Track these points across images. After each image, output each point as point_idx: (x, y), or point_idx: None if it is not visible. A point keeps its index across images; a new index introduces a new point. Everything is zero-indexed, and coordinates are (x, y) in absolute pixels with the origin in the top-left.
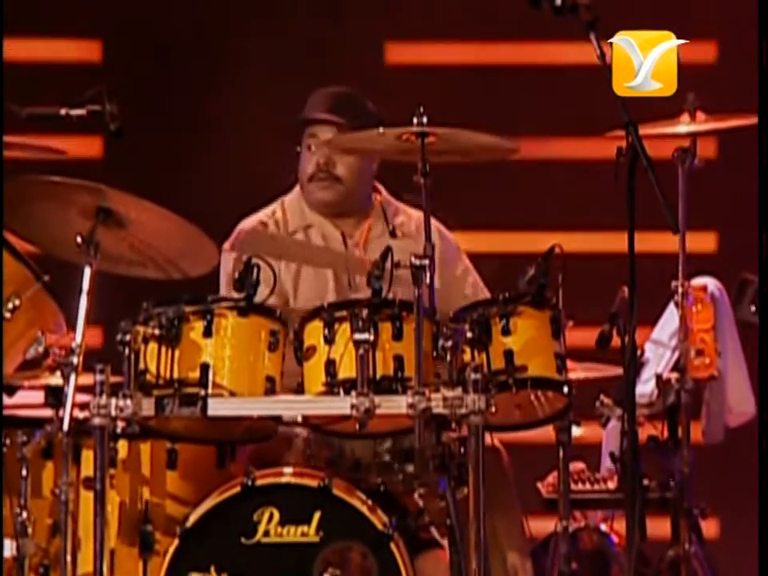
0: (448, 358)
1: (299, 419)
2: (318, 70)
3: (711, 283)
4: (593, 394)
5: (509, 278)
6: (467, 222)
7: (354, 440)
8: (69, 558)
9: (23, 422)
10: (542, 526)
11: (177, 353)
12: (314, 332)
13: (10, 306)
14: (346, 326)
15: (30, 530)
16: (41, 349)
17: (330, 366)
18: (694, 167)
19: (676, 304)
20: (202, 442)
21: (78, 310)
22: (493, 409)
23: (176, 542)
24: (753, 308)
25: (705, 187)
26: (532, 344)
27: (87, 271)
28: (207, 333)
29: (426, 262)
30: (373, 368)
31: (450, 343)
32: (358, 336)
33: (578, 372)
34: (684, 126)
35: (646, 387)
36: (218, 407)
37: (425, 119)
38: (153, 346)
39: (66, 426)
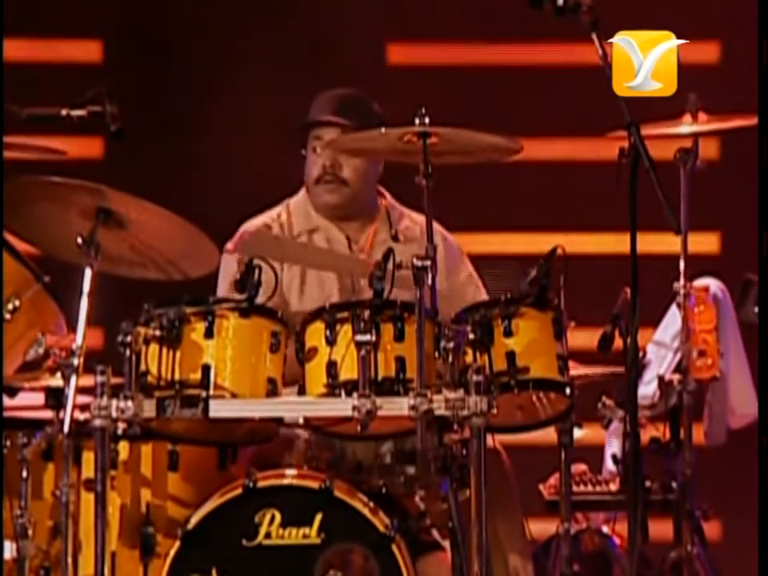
0: (450, 359)
1: (301, 421)
2: (318, 70)
3: (713, 284)
4: (595, 395)
5: (511, 280)
6: (468, 223)
7: (356, 442)
8: (69, 560)
9: (24, 423)
10: (543, 528)
11: (178, 354)
12: (316, 333)
13: (10, 306)
14: (348, 327)
15: (30, 532)
16: (41, 350)
17: (332, 367)
18: (696, 168)
19: (678, 305)
20: (203, 443)
21: (78, 311)
22: (495, 410)
23: (177, 543)
24: (756, 309)
25: (707, 188)
26: (534, 345)
27: (88, 272)
28: (208, 334)
29: (428, 263)
30: (374, 369)
31: (451, 344)
32: (359, 337)
33: (578, 369)
34: (686, 126)
35: (648, 389)
36: (219, 409)
37: (426, 119)
38: (154, 347)
39: (66, 428)
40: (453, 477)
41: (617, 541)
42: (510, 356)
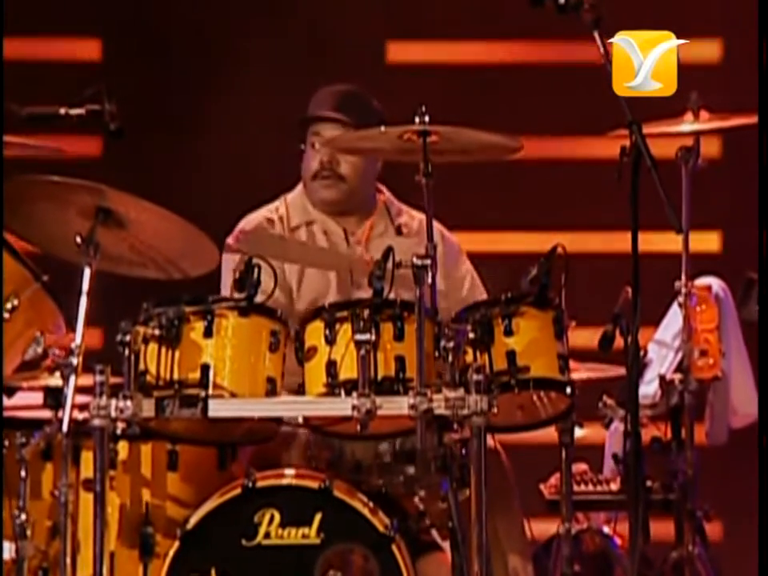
0: (450, 358)
1: (300, 420)
2: (318, 69)
3: (715, 283)
4: (595, 394)
5: (511, 279)
6: (469, 222)
7: (355, 441)
8: (68, 560)
9: (22, 423)
10: (544, 528)
11: (177, 353)
12: (315, 332)
13: (9, 306)
14: (347, 326)
15: (29, 533)
16: (40, 349)
17: (331, 366)
18: (698, 166)
19: (680, 304)
20: (202, 443)
21: (77, 310)
22: (495, 410)
23: (176, 544)
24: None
25: (708, 187)
26: (534, 345)
27: (87, 271)
28: (208, 333)
29: (428, 261)
30: (374, 369)
31: (451, 344)
32: (359, 336)
33: (580, 372)
34: (687, 124)
35: (649, 388)
36: (218, 408)
37: (426, 118)
38: (153, 346)
39: (65, 428)
40: (453, 476)
41: (618, 541)
42: (511, 355)
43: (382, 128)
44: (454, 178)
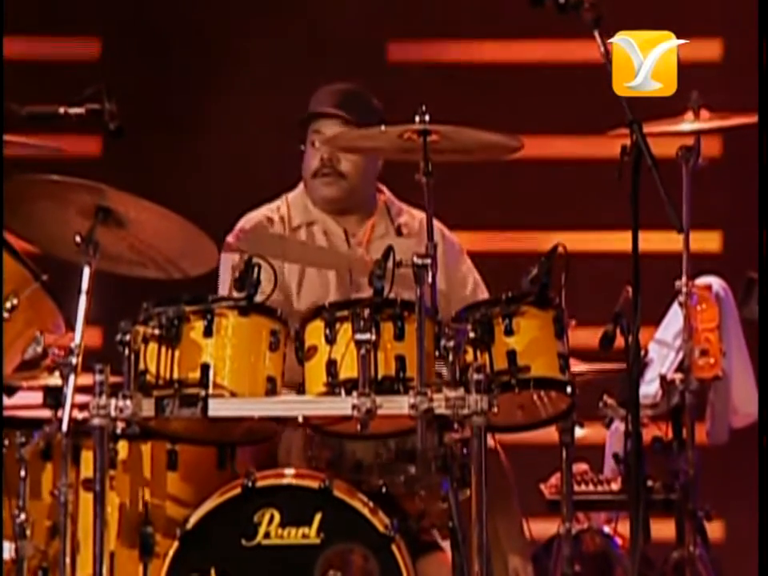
0: (450, 358)
1: (300, 420)
2: (318, 69)
3: (716, 282)
4: (596, 394)
5: (511, 278)
6: (469, 222)
7: (356, 441)
8: (68, 560)
9: (22, 422)
10: (544, 528)
11: (177, 353)
12: (315, 332)
13: (8, 305)
14: (348, 325)
15: (28, 532)
16: (39, 349)
17: (332, 366)
18: (698, 166)
19: (680, 304)
20: (202, 442)
21: (77, 309)
22: (495, 409)
23: (176, 543)
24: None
25: (709, 186)
26: (535, 344)
27: (86, 271)
28: (207, 333)
29: (428, 261)
30: (374, 368)
31: (452, 343)
32: (359, 336)
33: (580, 366)
34: (688, 124)
35: (649, 388)
36: (218, 408)
37: (427, 117)
38: (153, 346)
39: (65, 427)
40: (453, 476)
41: (618, 541)
42: (511, 355)
43: (383, 127)
44: (455, 178)
